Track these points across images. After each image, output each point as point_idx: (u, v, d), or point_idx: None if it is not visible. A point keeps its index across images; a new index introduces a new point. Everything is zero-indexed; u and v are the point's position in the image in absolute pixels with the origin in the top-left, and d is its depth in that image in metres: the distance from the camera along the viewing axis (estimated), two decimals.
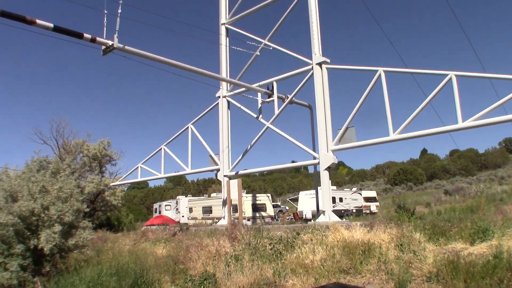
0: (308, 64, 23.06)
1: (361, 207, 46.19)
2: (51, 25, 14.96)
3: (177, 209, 50.20)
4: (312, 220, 24.64)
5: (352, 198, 45.96)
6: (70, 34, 15.58)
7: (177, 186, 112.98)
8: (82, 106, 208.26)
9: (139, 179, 33.09)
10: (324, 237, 14.75)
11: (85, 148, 38.33)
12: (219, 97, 27.63)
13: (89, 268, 16.07)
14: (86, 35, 15.81)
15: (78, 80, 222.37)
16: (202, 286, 13.23)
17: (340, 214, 33.81)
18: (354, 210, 43.82)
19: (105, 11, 16.09)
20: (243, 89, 25.93)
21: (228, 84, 26.94)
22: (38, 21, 14.52)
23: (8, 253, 15.58)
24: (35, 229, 16.25)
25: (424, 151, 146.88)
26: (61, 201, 17.10)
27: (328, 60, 22.67)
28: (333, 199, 37.83)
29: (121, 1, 16.40)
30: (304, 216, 39.74)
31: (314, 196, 30.21)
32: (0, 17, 13.61)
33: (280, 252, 14.53)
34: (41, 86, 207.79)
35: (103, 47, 16.74)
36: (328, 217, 20.64)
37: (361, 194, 49.77)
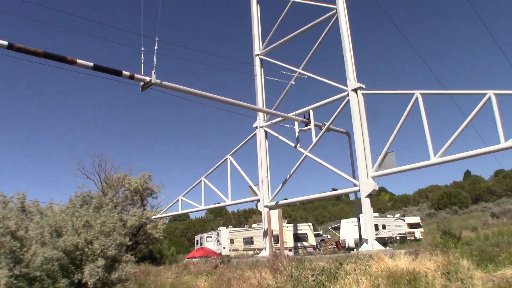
0: (343, 90, 22.97)
1: (405, 233, 44.93)
2: (91, 64, 15.45)
3: (218, 240, 50.13)
4: (355, 249, 24.13)
5: (396, 225, 44.81)
6: (110, 72, 16.05)
7: (218, 217, 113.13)
8: (123, 141, 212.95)
9: (180, 212, 33.28)
10: (367, 266, 14.34)
11: (126, 182, 39.02)
12: (256, 127, 27.74)
13: None
14: (124, 73, 16.24)
15: (118, 116, 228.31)
16: None
17: (383, 241, 33.01)
18: (398, 237, 42.66)
19: (142, 49, 16.56)
20: (280, 118, 25.98)
21: (265, 114, 27.07)
22: (78, 61, 15.02)
23: (53, 287, 15.84)
24: (79, 264, 16.48)
25: (467, 173, 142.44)
26: (104, 235, 17.33)
27: (364, 86, 22.53)
28: (376, 226, 36.97)
29: (157, 38, 16.84)
30: (346, 245, 38.94)
31: (356, 224, 29.66)
32: (43, 58, 14.15)
33: (323, 284, 14.21)
34: (83, 122, 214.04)
35: (142, 83, 17.14)
36: (371, 246, 20.15)
37: (404, 220, 48.49)
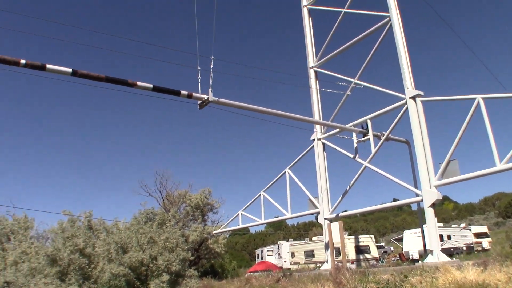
0: (401, 98, 22.54)
1: (471, 244, 43.13)
2: (151, 85, 15.96)
3: (279, 254, 50.03)
4: (419, 261, 23.43)
5: (461, 235, 43.10)
6: (169, 93, 16.52)
7: (278, 231, 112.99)
8: (183, 159, 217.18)
9: (240, 226, 33.50)
10: (434, 279, 13.84)
11: (187, 198, 39.74)
12: (313, 140, 27.63)
13: None
14: (183, 92, 16.66)
15: (178, 134, 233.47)
16: None
17: (449, 252, 31.86)
18: (464, 248, 41.02)
19: (199, 68, 16.93)
20: (337, 130, 25.77)
21: (322, 126, 26.95)
22: (138, 83, 15.56)
23: None
24: (144, 279, 16.95)
25: None
26: (168, 251, 17.75)
27: (422, 93, 22.01)
28: (441, 237, 35.73)
29: (212, 57, 17.18)
30: (410, 257, 37.85)
31: (420, 234, 28.81)
32: (105, 82, 14.77)
33: None
34: (144, 142, 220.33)
35: (199, 101, 17.50)
36: (437, 257, 19.51)
37: (470, 230, 46.59)
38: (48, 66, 13.86)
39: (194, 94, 17.09)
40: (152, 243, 17.71)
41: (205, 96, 17.25)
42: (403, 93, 22.42)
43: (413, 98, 21.98)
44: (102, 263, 17.05)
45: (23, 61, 13.19)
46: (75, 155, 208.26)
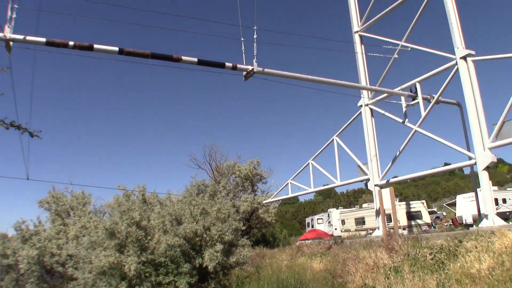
0: (451, 59, 21.78)
1: None
2: (196, 59, 16.07)
3: (329, 222, 50.16)
4: (474, 226, 22.98)
5: None
6: (214, 65, 16.59)
7: (327, 199, 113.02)
8: (231, 130, 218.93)
9: (290, 195, 33.70)
10: (490, 243, 13.57)
11: (236, 169, 40.25)
12: (361, 106, 27.21)
13: (251, 284, 16.75)
14: (227, 64, 16.69)
15: (224, 106, 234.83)
16: None
17: (504, 216, 30.98)
18: None
19: (242, 39, 16.88)
20: (385, 95, 25.27)
21: (369, 91, 26.48)
22: (184, 58, 15.68)
23: (177, 272, 16.92)
24: (199, 249, 17.41)
25: None
26: (220, 221, 18.12)
27: (473, 52, 21.17)
28: (496, 200, 34.79)
29: (255, 27, 17.08)
30: (464, 222, 37.14)
31: (474, 199, 28.17)
32: (151, 58, 14.99)
33: (442, 262, 13.72)
34: (192, 115, 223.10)
35: (244, 72, 17.51)
36: (492, 221, 19.07)
37: None
38: (95, 46, 14.18)
39: (239, 65, 17.08)
40: (205, 214, 18.10)
41: (250, 67, 17.22)
42: (453, 53, 21.65)
43: (464, 58, 21.20)
44: (158, 234, 17.59)
45: (71, 43, 13.57)
46: (127, 131, 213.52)
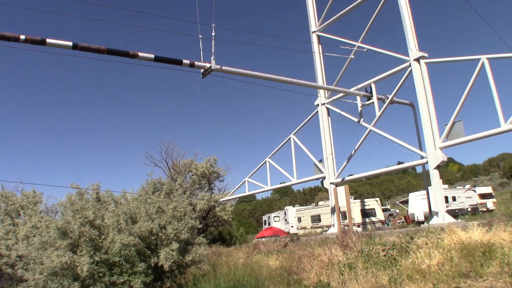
0: (405, 61, 22.37)
1: (476, 205, 43.24)
2: (152, 56, 15.88)
3: (285, 219, 50.51)
4: (425, 223, 23.65)
5: (466, 196, 43.16)
6: (171, 62, 16.44)
7: (284, 196, 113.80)
8: (187, 128, 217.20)
9: (247, 193, 33.82)
10: (439, 240, 13.97)
11: (193, 167, 39.98)
12: (318, 105, 27.54)
13: (207, 282, 16.67)
14: (185, 61, 16.58)
15: (180, 104, 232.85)
16: None
17: (454, 214, 32.05)
18: (469, 209, 41.17)
19: (200, 36, 16.79)
20: (341, 94, 25.67)
21: (326, 91, 26.82)
22: (140, 54, 15.48)
23: (131, 271, 16.62)
24: (154, 248, 17.18)
25: None
26: (176, 219, 17.93)
27: (426, 55, 21.83)
28: (446, 198, 35.89)
29: (213, 25, 17.01)
30: (416, 219, 38.14)
31: (425, 197, 29.00)
32: (107, 54, 14.70)
33: (395, 258, 14.05)
34: (149, 113, 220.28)
35: (202, 70, 17.43)
36: (442, 218, 19.72)
37: (475, 191, 46.69)
38: (48, 40, 13.81)
39: (196, 63, 17.00)
40: (161, 213, 17.87)
41: (208, 65, 17.16)
42: (407, 55, 22.22)
43: (417, 60, 21.80)
44: (112, 234, 17.24)
45: (22, 37, 13.14)
46: (80, 128, 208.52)
